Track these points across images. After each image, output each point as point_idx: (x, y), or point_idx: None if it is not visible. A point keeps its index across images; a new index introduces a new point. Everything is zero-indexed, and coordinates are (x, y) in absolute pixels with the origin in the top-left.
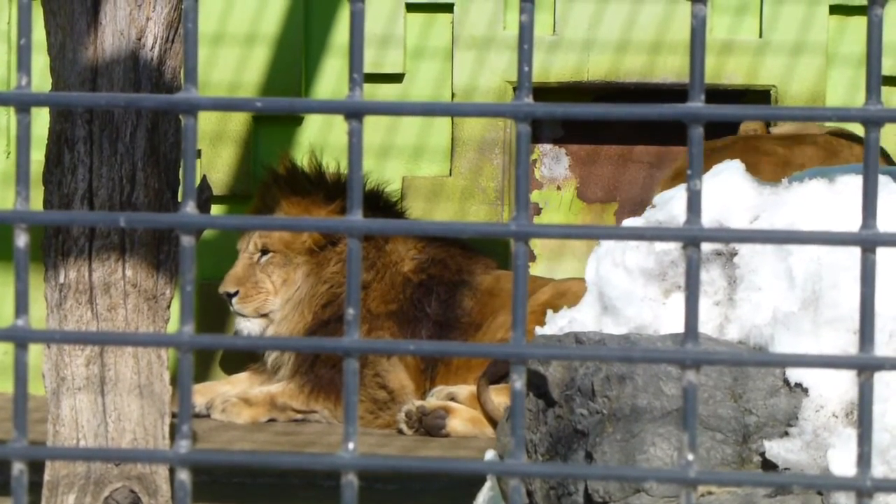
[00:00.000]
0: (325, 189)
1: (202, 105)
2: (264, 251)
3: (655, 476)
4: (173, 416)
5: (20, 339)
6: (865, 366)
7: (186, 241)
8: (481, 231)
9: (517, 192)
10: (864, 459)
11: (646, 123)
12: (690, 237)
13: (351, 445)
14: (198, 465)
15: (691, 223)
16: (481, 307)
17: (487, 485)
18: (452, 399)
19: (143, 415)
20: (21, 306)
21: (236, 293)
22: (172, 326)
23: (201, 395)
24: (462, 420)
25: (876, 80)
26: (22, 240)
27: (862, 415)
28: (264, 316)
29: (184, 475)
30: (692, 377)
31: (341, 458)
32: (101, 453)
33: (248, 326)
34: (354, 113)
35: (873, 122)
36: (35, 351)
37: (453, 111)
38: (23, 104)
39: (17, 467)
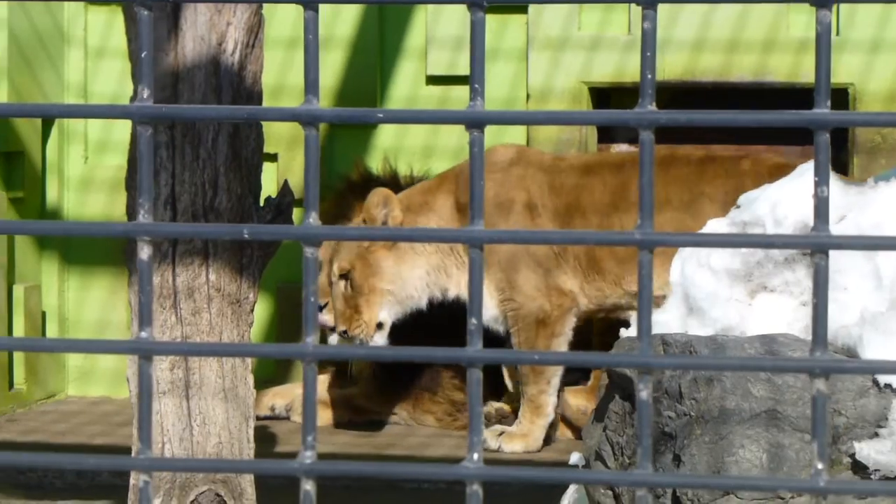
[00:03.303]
0: None
1: (324, 117)
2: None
3: (786, 486)
4: (257, 419)
5: (145, 352)
6: None
7: (310, 252)
8: (605, 240)
9: (641, 200)
10: None
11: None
12: (819, 244)
13: (476, 456)
14: (323, 475)
15: (819, 230)
16: None
17: (573, 487)
18: None
19: (227, 418)
20: (145, 318)
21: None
22: (256, 330)
23: (281, 397)
24: None
25: None
26: (145, 252)
27: None
28: None
29: (309, 486)
30: (822, 386)
31: (466, 469)
32: (227, 465)
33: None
34: (477, 123)
35: None
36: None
37: (576, 119)
38: (144, 117)
39: (142, 479)
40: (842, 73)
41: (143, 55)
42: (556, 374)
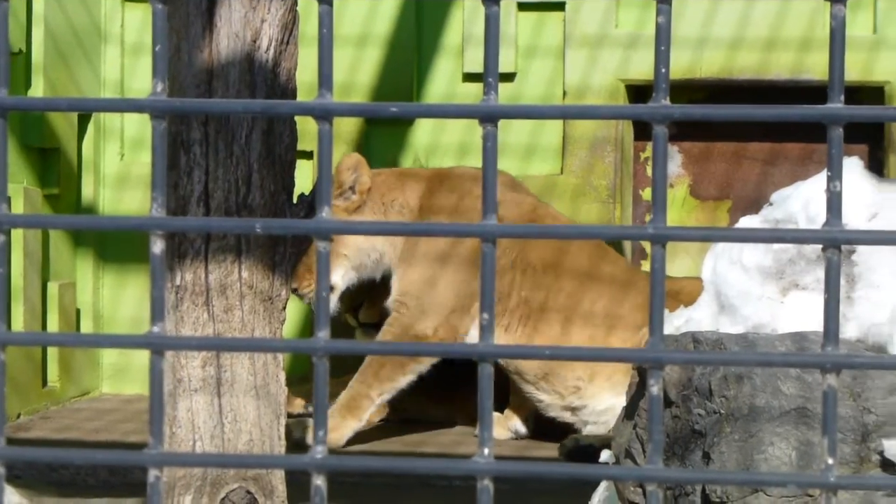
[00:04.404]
0: None
1: (338, 111)
2: None
3: (796, 481)
4: (288, 416)
5: (157, 347)
6: None
7: (323, 246)
8: (618, 234)
9: (654, 194)
10: None
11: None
12: (831, 239)
13: (486, 451)
14: (334, 470)
15: (831, 225)
16: None
17: (603, 485)
18: None
19: (259, 416)
20: (157, 313)
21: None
22: (289, 327)
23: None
24: None
25: None
26: (158, 246)
27: None
28: None
29: (320, 481)
30: (832, 381)
31: (477, 464)
32: (235, 460)
33: None
34: (490, 117)
35: None
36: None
37: (589, 114)
38: (157, 111)
39: (153, 474)
40: (878, 71)
41: (157, 49)
42: (391, 390)
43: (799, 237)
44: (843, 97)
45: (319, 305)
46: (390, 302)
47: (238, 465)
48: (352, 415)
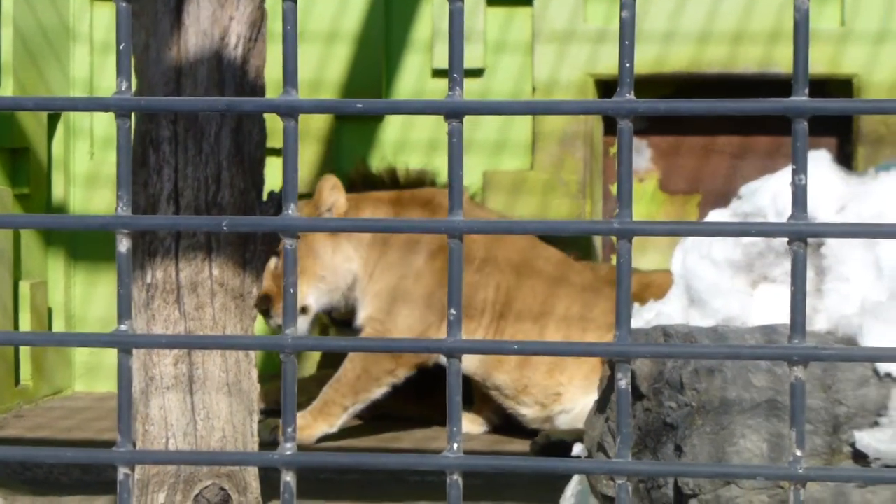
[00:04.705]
0: None
1: (303, 107)
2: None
3: (764, 473)
4: (263, 412)
5: (124, 345)
6: None
7: (290, 243)
8: (585, 229)
9: (620, 188)
10: None
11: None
12: (796, 232)
13: (455, 445)
14: (304, 467)
15: (797, 218)
16: None
17: (575, 479)
18: None
19: (231, 413)
20: (124, 311)
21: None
22: (260, 324)
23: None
24: None
25: None
26: (124, 245)
27: None
28: None
29: (289, 477)
30: (800, 373)
31: (446, 458)
32: (205, 457)
33: None
34: (455, 113)
35: None
36: None
37: (554, 109)
38: (123, 109)
39: (123, 472)
40: (846, 63)
41: (121, 47)
42: (365, 401)
43: (765, 231)
44: (807, 90)
45: (286, 301)
46: (362, 320)
47: (207, 463)
48: (323, 419)
